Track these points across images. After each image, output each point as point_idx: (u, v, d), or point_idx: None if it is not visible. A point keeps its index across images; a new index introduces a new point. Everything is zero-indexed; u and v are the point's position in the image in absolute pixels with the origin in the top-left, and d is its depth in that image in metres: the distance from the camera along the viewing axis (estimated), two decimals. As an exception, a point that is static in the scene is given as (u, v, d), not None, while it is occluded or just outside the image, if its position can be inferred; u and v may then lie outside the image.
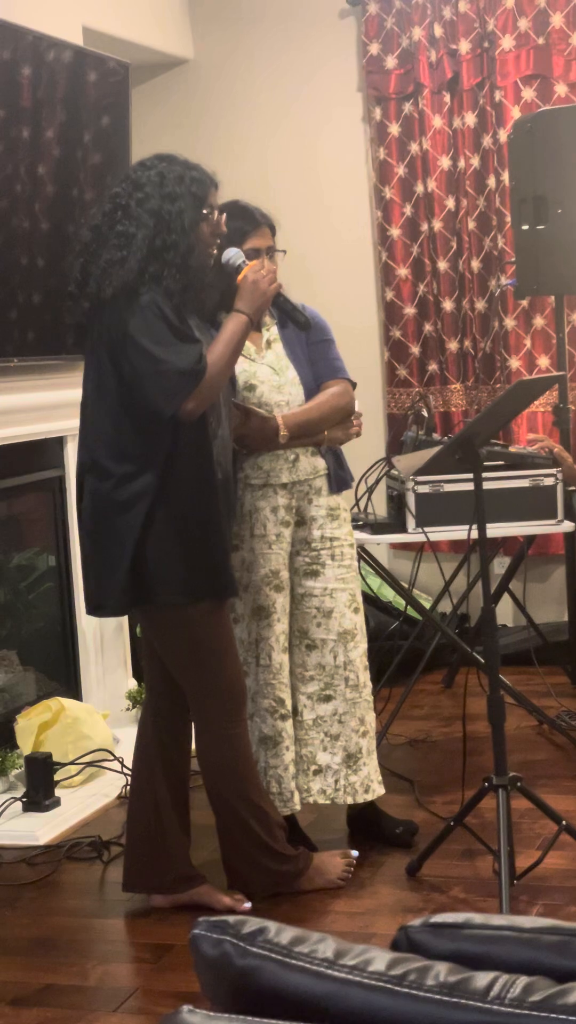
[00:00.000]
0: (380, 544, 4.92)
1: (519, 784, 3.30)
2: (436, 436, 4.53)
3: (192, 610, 3.18)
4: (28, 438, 4.52)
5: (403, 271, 5.74)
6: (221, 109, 5.94)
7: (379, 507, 4.40)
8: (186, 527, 3.14)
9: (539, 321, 5.54)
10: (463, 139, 5.58)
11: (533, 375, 5.48)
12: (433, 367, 5.75)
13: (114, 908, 3.45)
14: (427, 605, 5.06)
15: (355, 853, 3.55)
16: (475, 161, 5.58)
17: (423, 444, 4.36)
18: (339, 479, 3.62)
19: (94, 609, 3.27)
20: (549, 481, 4.31)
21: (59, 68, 4.46)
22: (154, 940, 3.24)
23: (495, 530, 4.02)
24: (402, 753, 4.50)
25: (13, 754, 4.25)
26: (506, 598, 5.16)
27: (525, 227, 4.69)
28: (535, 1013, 1.14)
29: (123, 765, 4.19)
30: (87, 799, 4.14)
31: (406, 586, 4.66)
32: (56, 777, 4.11)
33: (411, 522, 4.23)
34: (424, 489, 4.23)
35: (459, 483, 4.09)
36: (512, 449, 4.50)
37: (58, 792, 4.10)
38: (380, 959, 1.22)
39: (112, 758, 4.27)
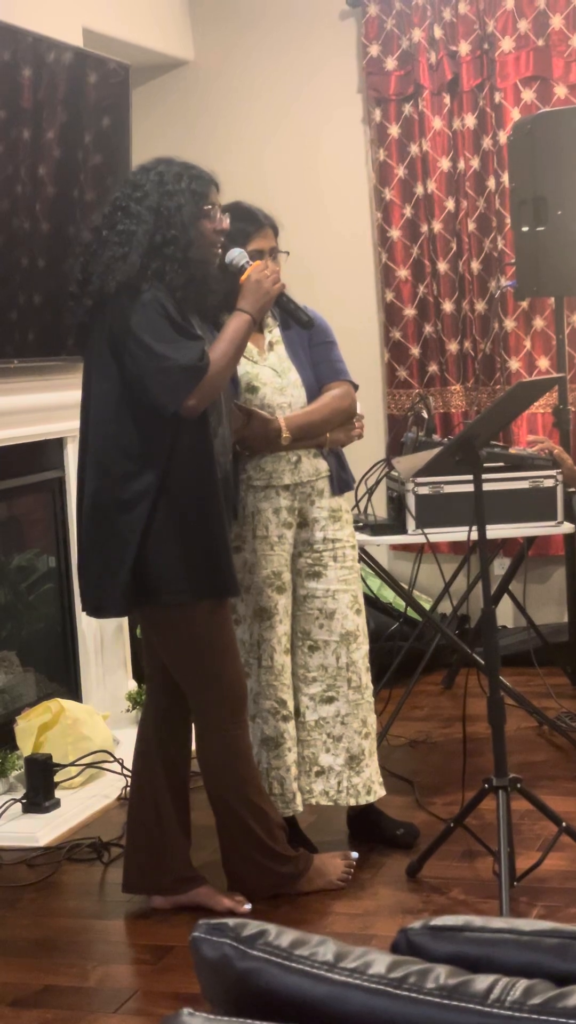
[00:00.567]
0: (380, 545, 4.93)
1: (519, 785, 3.30)
2: (436, 437, 4.54)
3: (193, 609, 3.18)
4: (28, 439, 4.52)
5: (403, 272, 5.74)
6: (221, 110, 5.94)
7: (379, 508, 4.40)
8: (187, 526, 3.14)
9: (539, 322, 5.54)
10: (463, 140, 5.58)
11: (533, 376, 5.48)
12: (433, 368, 5.75)
13: (114, 909, 3.45)
14: (427, 606, 5.06)
15: (355, 854, 3.55)
16: (475, 162, 5.58)
17: (423, 445, 4.36)
18: (341, 481, 3.62)
19: (94, 610, 3.26)
20: (549, 482, 4.32)
21: (59, 69, 4.46)
22: (154, 941, 3.24)
23: (495, 531, 4.02)
24: (402, 754, 4.50)
25: (13, 755, 4.25)
26: (506, 599, 5.16)
27: (525, 228, 4.69)
28: (535, 1016, 1.14)
29: (123, 766, 4.19)
30: (87, 800, 4.14)
31: (406, 587, 4.66)
32: (56, 778, 4.11)
33: (411, 523, 4.23)
34: (424, 490, 4.24)
35: (459, 484, 4.09)
36: (512, 450, 4.50)
37: (58, 793, 4.10)
38: (380, 962, 1.22)
39: (112, 759, 4.27)
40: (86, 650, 4.81)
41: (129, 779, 3.66)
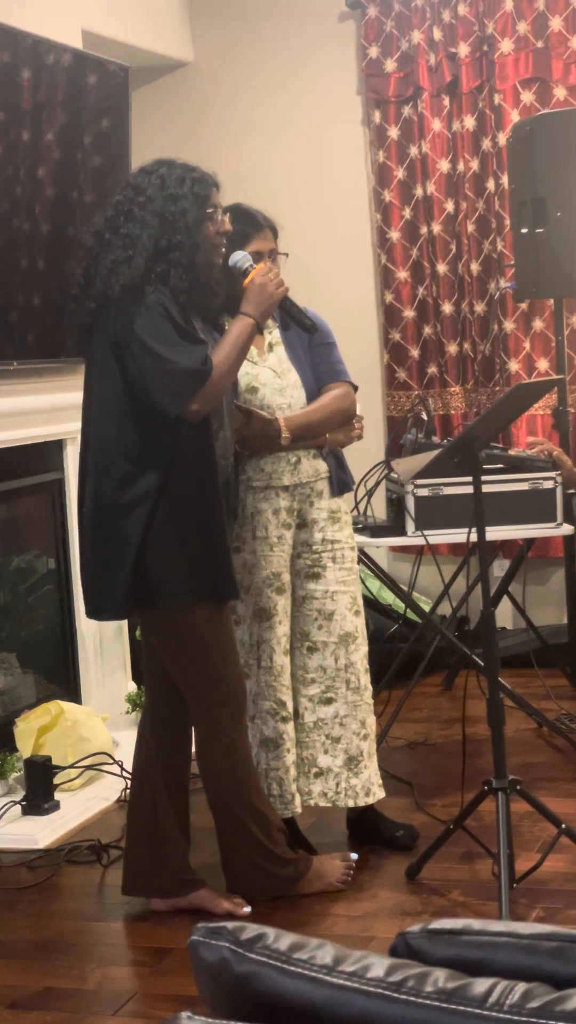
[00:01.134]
0: (379, 547, 4.93)
1: (518, 787, 3.30)
2: (435, 439, 4.53)
3: (193, 612, 3.18)
4: (28, 441, 4.52)
5: (402, 274, 5.74)
6: (220, 112, 5.94)
7: (378, 510, 4.40)
8: (188, 528, 3.14)
9: (538, 324, 5.54)
10: (462, 142, 5.58)
11: (532, 378, 5.48)
12: (432, 370, 5.75)
13: (113, 912, 3.45)
14: (427, 608, 5.06)
15: (354, 856, 3.55)
16: (474, 164, 5.58)
17: (422, 447, 4.36)
18: (340, 482, 3.62)
19: (95, 612, 3.26)
20: (548, 484, 4.31)
21: (59, 71, 4.47)
22: (153, 944, 3.24)
23: (494, 533, 4.02)
24: (401, 756, 4.50)
25: (12, 757, 4.24)
26: (505, 601, 5.16)
27: (524, 230, 4.69)
28: (534, 1020, 1.14)
29: (122, 768, 4.18)
30: (86, 802, 4.14)
31: (406, 589, 4.66)
32: (55, 780, 4.10)
33: (410, 525, 4.23)
34: (423, 492, 4.23)
35: (458, 486, 4.09)
36: (511, 452, 4.50)
37: (57, 795, 4.10)
38: (379, 965, 1.22)
39: (111, 761, 4.27)
40: (85, 652, 4.81)
41: (128, 781, 3.66)
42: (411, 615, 5.22)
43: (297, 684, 3.58)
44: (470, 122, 5.57)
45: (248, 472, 3.50)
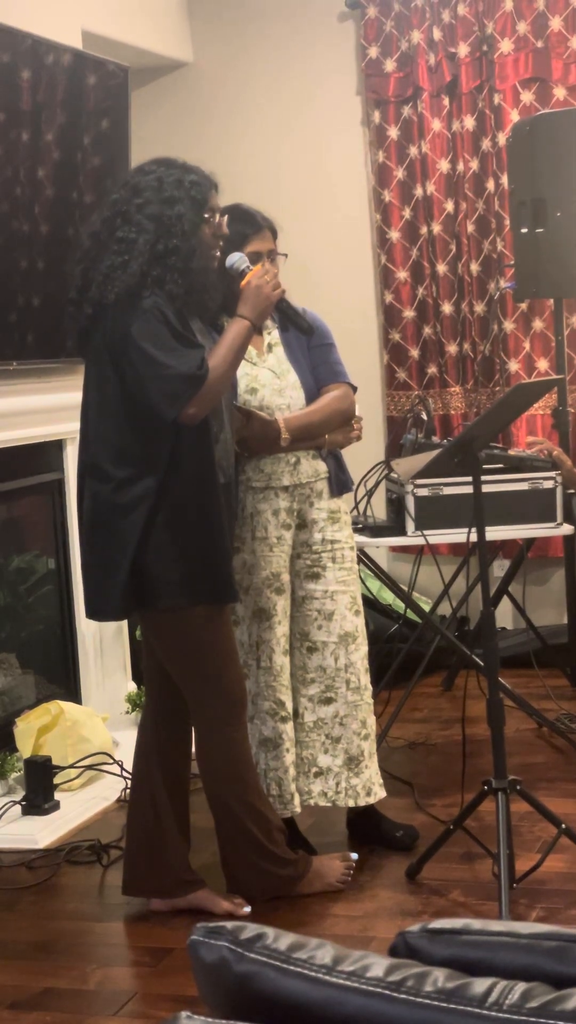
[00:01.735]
0: (379, 547, 4.93)
1: (518, 787, 3.30)
2: (435, 439, 4.53)
3: (192, 613, 3.18)
4: (27, 441, 4.52)
5: (402, 274, 5.74)
6: (220, 112, 5.94)
7: (378, 510, 4.40)
8: (186, 531, 3.14)
9: (538, 324, 5.54)
10: (462, 142, 5.58)
11: (532, 378, 5.48)
12: (432, 370, 5.75)
13: (113, 912, 3.45)
14: (426, 608, 5.06)
15: (354, 856, 3.55)
16: (474, 164, 5.58)
17: (422, 447, 4.36)
18: (340, 482, 3.62)
19: (94, 613, 3.27)
20: (548, 484, 4.31)
21: (58, 71, 4.46)
22: (153, 944, 3.24)
23: (494, 533, 4.02)
24: (401, 756, 4.50)
25: (12, 757, 4.24)
26: (505, 601, 5.16)
27: (524, 230, 4.69)
28: (533, 1019, 1.14)
29: (122, 768, 4.18)
30: (86, 802, 4.14)
31: (405, 589, 4.66)
32: (55, 780, 4.10)
33: (410, 525, 4.23)
34: (423, 492, 4.24)
35: (458, 486, 4.09)
36: (511, 452, 4.50)
37: (57, 795, 4.10)
38: (378, 965, 1.22)
39: (111, 761, 4.27)
40: (85, 652, 4.81)
41: (128, 781, 3.66)
42: (411, 615, 5.22)
43: (297, 684, 3.58)
44: (470, 122, 5.57)
45: (247, 473, 3.50)
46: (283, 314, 3.40)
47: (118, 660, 4.95)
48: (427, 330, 5.73)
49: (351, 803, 3.60)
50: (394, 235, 5.73)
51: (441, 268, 5.65)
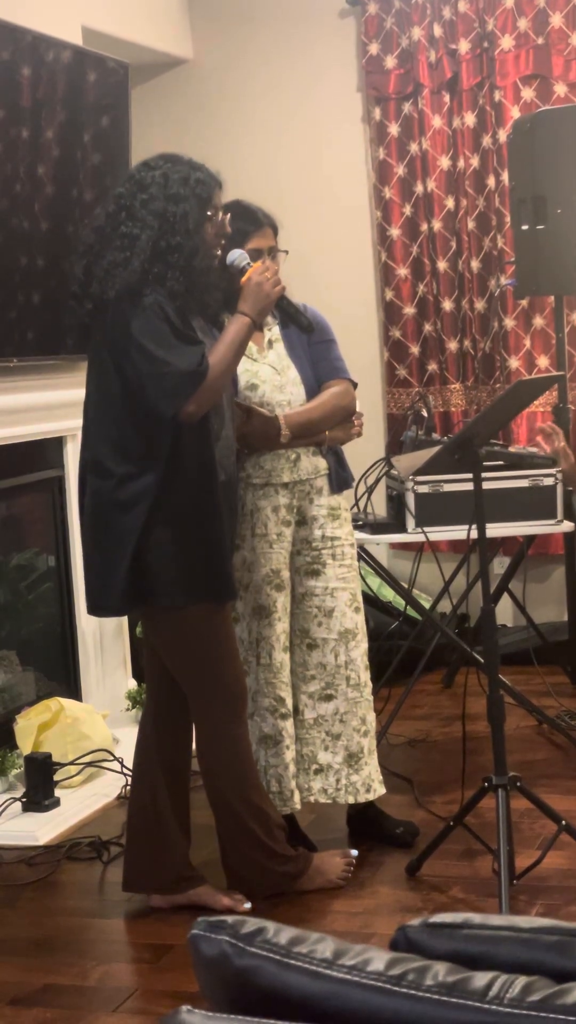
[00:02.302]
0: (380, 544, 4.92)
1: (519, 784, 3.30)
2: (436, 436, 4.53)
3: (192, 611, 3.18)
4: (28, 438, 4.52)
5: (403, 271, 5.74)
6: (220, 109, 5.94)
7: (379, 507, 4.40)
8: (187, 528, 3.14)
9: (539, 321, 5.54)
10: (463, 139, 5.58)
11: (533, 375, 5.48)
12: (433, 367, 5.75)
13: (114, 908, 3.45)
14: (427, 605, 5.06)
15: (355, 853, 3.55)
16: (475, 161, 5.58)
17: (423, 444, 4.35)
18: (340, 479, 3.62)
19: (95, 609, 3.27)
20: (549, 481, 4.31)
21: (58, 68, 4.46)
22: (154, 940, 3.24)
23: (495, 530, 4.02)
24: (402, 753, 4.50)
25: (13, 754, 4.25)
26: (506, 598, 5.16)
27: (524, 227, 4.69)
28: (534, 1013, 1.14)
29: (123, 765, 4.19)
30: (87, 799, 4.14)
31: (406, 586, 4.66)
32: (56, 777, 4.11)
33: (411, 522, 4.23)
34: (424, 489, 4.23)
35: (459, 483, 4.09)
36: (512, 449, 4.50)
37: (58, 792, 4.10)
38: (379, 959, 1.22)
39: (112, 758, 4.27)
40: (86, 649, 4.81)
41: (129, 778, 3.66)
42: (411, 612, 5.22)
43: (297, 681, 3.58)
44: (470, 119, 5.57)
45: (247, 469, 3.49)
46: (283, 311, 3.40)
47: (118, 657, 4.95)
48: (427, 327, 5.73)
49: (351, 800, 3.60)
50: (394, 232, 5.73)
51: (441, 265, 5.65)
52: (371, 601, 5.28)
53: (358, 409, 3.65)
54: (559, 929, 1.27)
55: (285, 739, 3.51)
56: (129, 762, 3.56)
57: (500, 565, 5.36)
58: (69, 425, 4.55)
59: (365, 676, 3.61)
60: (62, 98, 4.50)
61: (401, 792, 4.05)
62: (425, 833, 3.66)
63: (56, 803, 4.06)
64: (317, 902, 3.36)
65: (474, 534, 3.37)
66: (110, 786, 4.23)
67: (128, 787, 3.64)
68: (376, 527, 4.32)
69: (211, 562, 3.16)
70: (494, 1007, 1.15)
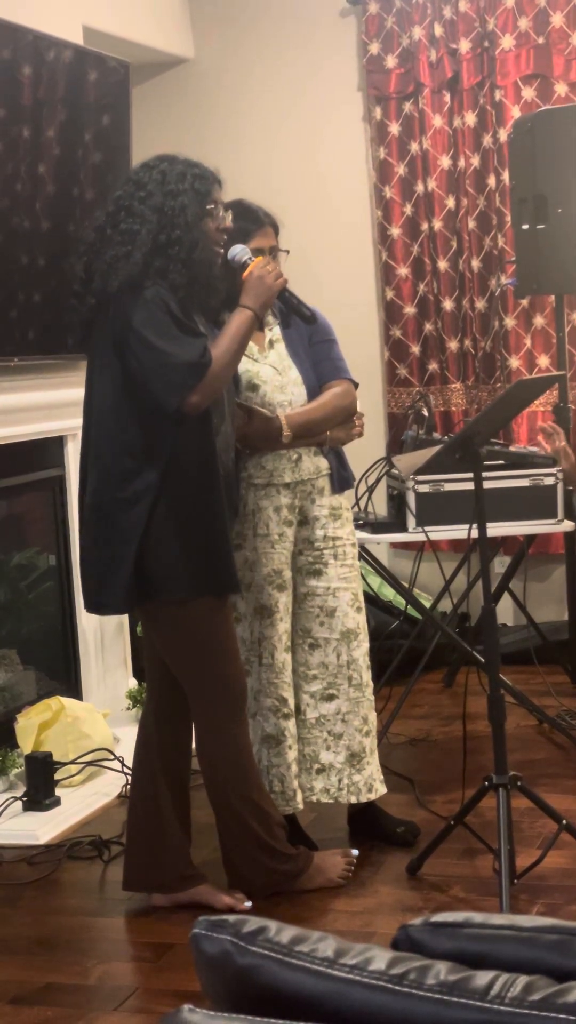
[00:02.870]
0: (380, 543, 4.92)
1: (519, 783, 3.30)
2: (436, 435, 4.54)
3: (194, 607, 3.18)
4: (28, 437, 4.52)
5: (403, 270, 5.74)
6: (221, 108, 5.94)
7: (379, 506, 4.40)
8: (188, 523, 3.14)
9: (539, 320, 5.54)
10: (463, 138, 5.58)
11: (533, 374, 5.48)
12: (433, 366, 5.75)
13: (114, 907, 3.45)
14: (427, 604, 5.06)
15: (355, 852, 3.55)
16: (475, 160, 5.58)
17: (423, 443, 4.36)
18: (341, 479, 3.62)
19: (96, 607, 3.26)
20: (549, 480, 4.32)
21: (59, 67, 4.46)
22: (154, 939, 3.24)
23: (495, 529, 4.02)
24: (402, 752, 4.50)
25: (13, 753, 4.25)
26: (506, 597, 5.16)
27: (525, 226, 4.69)
28: (535, 1012, 1.14)
29: (123, 764, 4.19)
30: (87, 798, 4.14)
31: (406, 585, 4.66)
32: (56, 776, 4.11)
33: (411, 521, 4.23)
34: (424, 488, 4.24)
35: (459, 482, 4.09)
36: (512, 448, 4.50)
37: (58, 791, 4.10)
38: (380, 958, 1.22)
39: (112, 757, 4.27)
40: (86, 648, 4.81)
41: (129, 777, 3.66)
42: (412, 611, 5.22)
43: (299, 680, 3.58)
44: (471, 118, 5.57)
45: (249, 469, 3.50)
46: (286, 303, 3.40)
47: (119, 656, 4.95)
48: (428, 326, 5.73)
49: (352, 799, 3.60)
50: (395, 231, 5.73)
51: (442, 264, 5.65)
52: (372, 600, 5.28)
53: (359, 409, 3.65)
54: (560, 928, 1.27)
55: (287, 739, 3.51)
56: (129, 761, 3.56)
57: (501, 564, 5.37)
58: (70, 424, 4.55)
59: (367, 676, 3.61)
60: (63, 97, 4.50)
61: (402, 791, 4.05)
62: (426, 832, 3.66)
63: (57, 802, 4.06)
64: (318, 901, 3.37)
65: (475, 533, 3.38)
66: (111, 785, 4.23)
67: (128, 786, 3.64)
68: (377, 526, 4.32)
69: (214, 556, 3.16)
70: (495, 1006, 1.15)
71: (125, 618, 4.88)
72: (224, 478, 3.23)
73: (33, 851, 3.81)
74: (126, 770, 4.08)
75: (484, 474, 3.35)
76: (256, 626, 3.50)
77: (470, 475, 3.32)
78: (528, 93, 5.46)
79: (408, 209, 5.72)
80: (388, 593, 5.40)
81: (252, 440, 3.45)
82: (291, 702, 3.54)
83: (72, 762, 4.21)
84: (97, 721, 4.37)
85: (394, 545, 5.68)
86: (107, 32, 5.15)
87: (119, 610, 3.30)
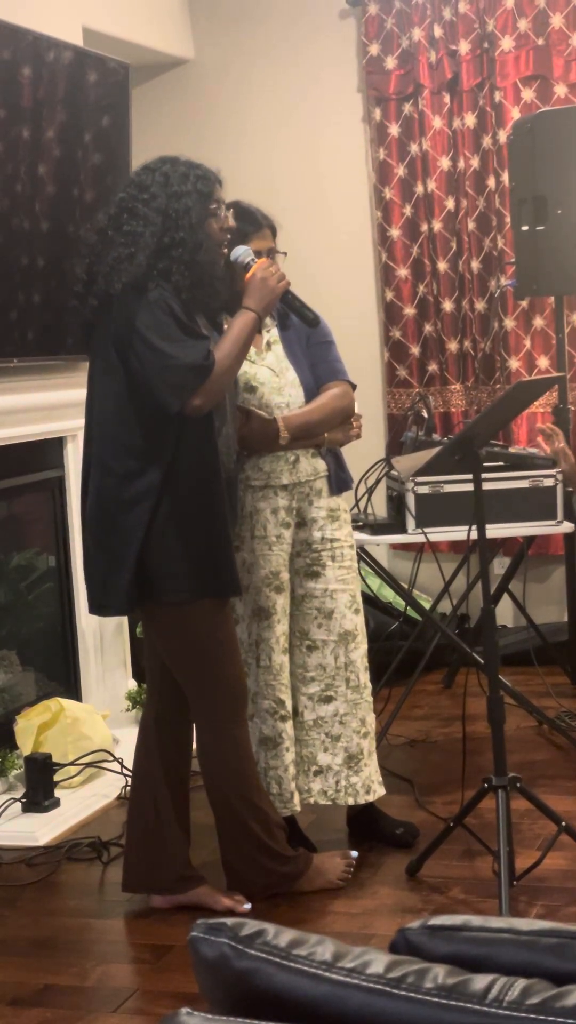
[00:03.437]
0: (380, 545, 4.92)
1: (519, 784, 3.30)
2: (436, 437, 4.53)
3: (194, 608, 3.18)
4: (28, 438, 4.52)
5: (403, 271, 5.74)
6: (221, 110, 5.94)
7: (379, 508, 4.40)
8: (189, 524, 3.14)
9: (539, 322, 5.54)
10: (463, 140, 5.58)
11: (533, 376, 5.48)
12: (433, 367, 5.75)
13: (114, 909, 3.45)
14: (427, 605, 5.06)
15: (355, 854, 3.55)
16: (475, 162, 5.58)
17: (423, 445, 4.36)
18: (339, 480, 3.62)
19: (98, 608, 3.27)
20: (549, 482, 4.32)
21: (59, 68, 4.46)
22: (154, 941, 3.24)
23: (495, 531, 4.02)
24: (402, 753, 4.50)
25: (13, 755, 4.25)
26: (506, 598, 5.16)
27: (525, 228, 4.69)
28: (533, 1016, 1.14)
29: (123, 766, 4.19)
30: (87, 800, 4.14)
31: (406, 587, 4.66)
32: (56, 778, 4.11)
33: (411, 523, 4.23)
34: (424, 490, 4.24)
35: (459, 484, 4.09)
36: (512, 450, 4.50)
37: (58, 793, 4.10)
38: (378, 961, 1.22)
39: (112, 759, 4.27)
40: (86, 649, 4.81)
41: (129, 778, 3.66)
42: (411, 613, 5.22)
43: (297, 682, 3.58)
44: (471, 119, 5.57)
45: (247, 471, 3.50)
46: (288, 305, 3.40)
47: (118, 657, 4.95)
48: (428, 327, 5.73)
49: (351, 801, 3.60)
50: (395, 232, 5.73)
51: (442, 265, 5.65)
52: (371, 602, 5.28)
53: (357, 410, 3.65)
54: (558, 932, 1.27)
55: (285, 741, 3.51)
56: (129, 762, 3.56)
57: (500, 566, 5.37)
58: (70, 425, 4.55)
59: (365, 678, 3.61)
60: (63, 98, 4.50)
61: (401, 793, 4.05)
62: (425, 834, 3.66)
63: (56, 803, 4.06)
64: (317, 903, 3.37)
65: (474, 535, 3.37)
66: (110, 786, 4.23)
67: (128, 787, 3.64)
68: (376, 528, 4.32)
69: (215, 558, 3.16)
70: (493, 1010, 1.15)
71: (125, 619, 4.88)
72: (225, 480, 3.23)
73: (32, 852, 3.80)
74: (126, 771, 4.08)
75: (484, 475, 3.35)
76: (254, 628, 3.50)
77: (470, 476, 3.32)
78: (528, 94, 5.46)
79: (408, 210, 5.72)
80: (388, 594, 5.40)
81: (250, 442, 3.45)
82: (289, 704, 3.54)
83: (71, 763, 4.21)
84: (96, 722, 4.37)
85: (394, 546, 5.68)
86: (107, 33, 5.15)
87: (121, 611, 3.30)
